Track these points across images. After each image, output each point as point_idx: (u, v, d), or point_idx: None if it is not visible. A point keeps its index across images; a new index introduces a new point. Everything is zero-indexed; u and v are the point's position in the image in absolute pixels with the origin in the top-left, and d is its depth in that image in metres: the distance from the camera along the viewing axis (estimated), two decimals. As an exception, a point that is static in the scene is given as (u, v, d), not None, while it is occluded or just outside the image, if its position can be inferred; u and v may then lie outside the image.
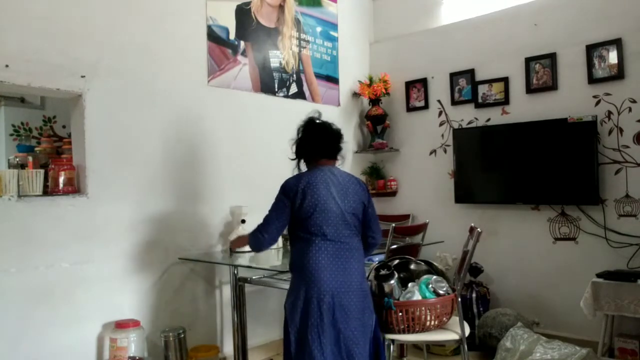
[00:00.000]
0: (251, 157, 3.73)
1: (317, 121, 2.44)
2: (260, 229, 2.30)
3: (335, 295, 2.13)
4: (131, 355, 2.78)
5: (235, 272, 3.28)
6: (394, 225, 3.10)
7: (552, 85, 3.72)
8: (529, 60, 3.82)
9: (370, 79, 4.59)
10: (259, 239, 2.30)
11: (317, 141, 2.38)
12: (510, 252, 3.92)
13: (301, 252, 2.22)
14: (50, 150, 3.46)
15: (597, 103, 3.52)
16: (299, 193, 2.24)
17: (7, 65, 2.55)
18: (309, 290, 2.14)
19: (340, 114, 4.51)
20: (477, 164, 4.10)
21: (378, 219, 2.53)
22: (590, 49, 3.53)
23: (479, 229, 2.59)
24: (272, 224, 2.28)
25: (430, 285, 2.50)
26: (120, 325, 2.83)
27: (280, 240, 3.55)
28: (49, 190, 2.78)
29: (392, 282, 2.50)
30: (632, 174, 3.40)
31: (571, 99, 3.63)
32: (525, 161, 3.79)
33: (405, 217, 4.49)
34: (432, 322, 2.45)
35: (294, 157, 2.49)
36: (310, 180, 2.28)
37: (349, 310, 2.15)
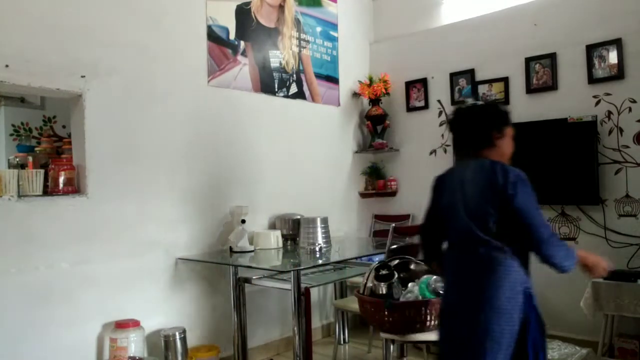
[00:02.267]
0: (251, 157, 3.73)
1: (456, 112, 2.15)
2: (555, 235, 1.92)
3: None
4: (131, 355, 2.78)
5: (235, 272, 3.29)
6: (394, 225, 3.10)
7: (552, 85, 3.72)
8: (529, 60, 3.82)
9: (370, 79, 4.59)
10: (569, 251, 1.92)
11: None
12: (510, 252, 3.91)
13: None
14: (50, 150, 3.46)
15: (597, 103, 3.52)
16: None
17: (7, 65, 2.55)
18: None
19: (340, 114, 4.51)
20: (477, 164, 4.10)
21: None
22: (590, 49, 3.53)
23: (479, 229, 2.59)
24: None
25: (430, 286, 2.50)
26: (120, 325, 2.83)
27: (280, 240, 3.56)
28: (49, 190, 2.78)
29: (392, 282, 2.50)
30: (632, 174, 3.40)
31: (571, 99, 3.63)
32: (525, 161, 3.76)
33: (405, 217, 4.49)
34: (432, 322, 2.45)
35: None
36: None
37: None
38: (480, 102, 2.17)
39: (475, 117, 2.07)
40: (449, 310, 2.03)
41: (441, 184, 2.14)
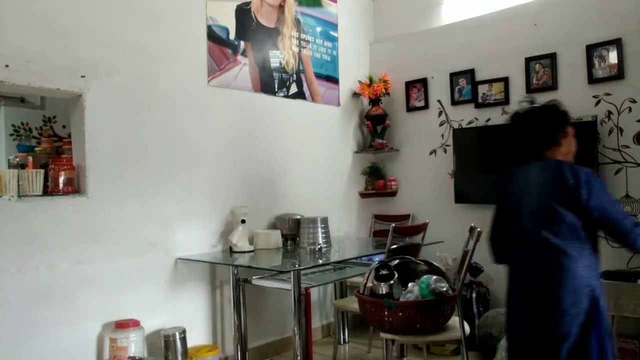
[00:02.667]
0: (251, 157, 3.73)
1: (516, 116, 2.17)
2: (636, 223, 1.89)
3: None
4: (131, 355, 2.78)
5: (235, 272, 3.29)
6: (394, 225, 3.10)
7: (552, 85, 3.72)
8: (529, 60, 3.82)
9: (370, 79, 4.59)
10: None
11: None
12: (510, 252, 3.91)
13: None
14: (50, 150, 3.46)
15: (597, 103, 3.52)
16: None
17: (7, 65, 2.55)
18: None
19: (340, 114, 4.51)
20: (477, 164, 4.10)
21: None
22: (590, 49, 3.53)
23: (479, 229, 2.59)
24: None
25: (431, 285, 2.50)
26: (120, 325, 2.83)
27: (280, 240, 3.55)
28: (49, 190, 2.78)
29: (392, 282, 2.50)
30: (632, 174, 3.40)
31: (571, 99, 3.62)
32: (525, 161, 3.77)
33: (405, 217, 4.49)
34: (432, 322, 2.45)
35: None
36: None
37: None
38: (538, 104, 2.18)
39: (539, 119, 2.09)
40: (514, 311, 2.08)
41: (505, 187, 2.16)
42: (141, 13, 3.12)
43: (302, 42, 4.18)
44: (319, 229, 3.51)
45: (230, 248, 3.36)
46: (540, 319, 1.91)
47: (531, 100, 2.21)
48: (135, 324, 2.85)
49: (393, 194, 4.62)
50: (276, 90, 3.95)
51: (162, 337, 3.02)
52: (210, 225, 3.45)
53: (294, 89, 4.09)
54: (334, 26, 4.50)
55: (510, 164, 2.17)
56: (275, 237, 3.52)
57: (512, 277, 2.11)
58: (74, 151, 2.97)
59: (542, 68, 3.76)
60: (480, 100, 4.09)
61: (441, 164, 4.33)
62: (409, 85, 4.54)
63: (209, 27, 3.50)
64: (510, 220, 2.06)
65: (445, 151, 4.31)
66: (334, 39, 4.48)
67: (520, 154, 2.14)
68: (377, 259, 3.20)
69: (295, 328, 2.81)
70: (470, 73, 4.14)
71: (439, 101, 4.36)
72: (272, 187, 3.85)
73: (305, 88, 4.19)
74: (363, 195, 4.67)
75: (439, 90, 4.35)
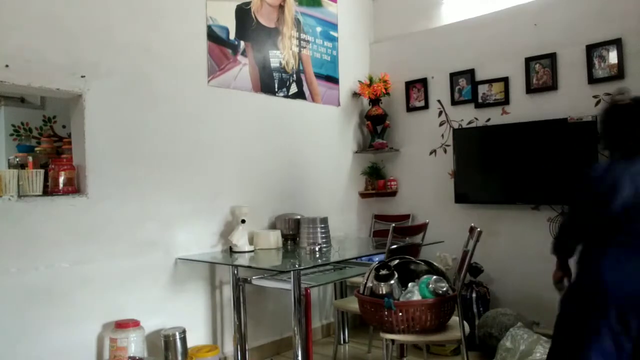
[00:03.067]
0: (251, 157, 3.73)
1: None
2: None
3: None
4: (131, 355, 2.78)
5: (235, 272, 3.29)
6: (394, 225, 3.10)
7: (552, 85, 3.72)
8: (529, 60, 3.82)
9: (370, 79, 4.59)
10: None
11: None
12: (510, 252, 3.92)
13: None
14: (50, 150, 3.46)
15: (597, 103, 3.52)
16: None
17: (7, 65, 2.55)
18: None
19: (340, 114, 4.51)
20: (477, 164, 4.10)
21: None
22: (590, 49, 3.53)
23: (479, 229, 2.59)
24: None
25: (430, 285, 2.50)
26: (120, 325, 2.83)
27: (280, 240, 3.56)
28: (49, 190, 2.78)
29: (392, 282, 2.50)
30: (632, 174, 3.39)
31: (571, 99, 3.63)
32: (525, 161, 3.79)
33: (405, 217, 4.49)
34: (432, 322, 2.45)
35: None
36: None
37: None
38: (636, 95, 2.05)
39: None
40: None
41: (601, 182, 1.97)
42: (141, 13, 3.12)
43: (302, 42, 4.18)
44: (319, 229, 3.51)
45: (230, 248, 3.36)
46: None
47: (626, 91, 2.05)
48: (135, 324, 2.85)
49: (393, 194, 4.62)
50: (276, 90, 3.95)
51: (162, 337, 3.02)
52: (210, 225, 3.45)
53: (294, 89, 4.09)
54: (334, 26, 4.50)
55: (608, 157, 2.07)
56: (275, 237, 3.52)
57: (628, 275, 1.86)
58: (74, 151, 2.97)
59: (542, 68, 3.76)
60: (480, 100, 4.09)
61: (441, 164, 4.33)
62: (409, 85, 4.54)
63: (209, 27, 3.50)
64: (624, 217, 1.88)
65: (445, 151, 4.31)
66: (334, 39, 4.48)
67: (619, 146, 2.01)
68: (377, 259, 3.20)
69: (295, 328, 2.81)
70: (470, 73, 4.14)
71: (439, 101, 4.36)
72: (272, 187, 3.85)
73: (305, 88, 4.19)
74: (363, 195, 4.67)
75: (439, 90, 4.35)
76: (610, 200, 1.90)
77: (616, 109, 2.03)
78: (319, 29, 4.34)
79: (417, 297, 2.47)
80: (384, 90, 4.50)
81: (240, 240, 3.33)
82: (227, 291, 3.44)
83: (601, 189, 1.96)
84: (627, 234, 1.90)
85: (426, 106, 4.43)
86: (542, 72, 3.77)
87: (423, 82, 4.44)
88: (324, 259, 3.22)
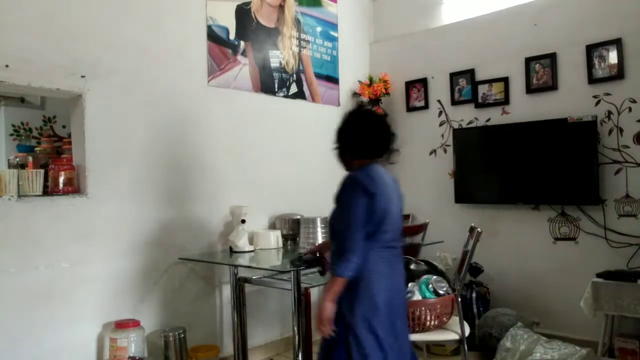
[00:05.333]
0: (251, 157, 3.73)
1: (374, 115, 2.18)
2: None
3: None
4: (131, 355, 2.78)
5: (235, 272, 3.29)
6: (394, 225, 3.09)
7: (552, 85, 3.72)
8: (529, 60, 3.82)
9: (370, 79, 4.59)
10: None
11: (378, 137, 2.08)
12: (510, 252, 3.92)
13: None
14: (50, 150, 3.46)
15: (597, 103, 3.52)
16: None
17: (7, 65, 2.55)
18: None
19: (340, 114, 4.49)
20: (477, 164, 4.10)
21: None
22: (590, 49, 3.53)
23: (479, 229, 2.59)
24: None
25: (430, 285, 2.50)
26: (120, 325, 2.82)
27: (280, 240, 3.55)
28: (49, 190, 2.78)
29: (392, 282, 2.49)
30: (632, 174, 3.40)
31: (571, 99, 3.63)
32: (525, 161, 3.79)
33: (405, 217, 4.48)
34: (432, 322, 2.45)
35: (343, 148, 2.11)
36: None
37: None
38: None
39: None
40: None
41: (381, 187, 2.00)
42: (141, 13, 3.12)
43: (302, 42, 4.17)
44: (319, 229, 3.51)
45: (230, 248, 3.36)
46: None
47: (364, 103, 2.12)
48: (135, 324, 2.85)
49: (393, 194, 4.61)
50: (276, 90, 3.95)
51: (162, 337, 3.02)
52: (210, 225, 3.45)
53: (294, 89, 4.09)
54: (334, 26, 4.49)
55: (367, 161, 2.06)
56: (275, 237, 3.52)
57: (388, 282, 1.98)
58: (74, 151, 2.97)
59: (542, 68, 3.76)
60: (480, 100, 4.09)
61: (441, 164, 4.33)
62: (409, 85, 4.53)
63: (209, 27, 3.50)
64: (383, 225, 1.94)
65: (445, 151, 4.31)
66: (334, 39, 4.48)
67: (371, 151, 2.06)
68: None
69: (295, 328, 2.81)
70: (470, 73, 4.14)
71: (439, 101, 4.36)
72: (272, 187, 3.85)
73: (305, 88, 4.19)
74: (363, 195, 4.66)
75: (439, 90, 4.35)
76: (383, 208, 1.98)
77: (363, 118, 2.11)
78: (319, 29, 4.34)
79: (417, 297, 2.47)
80: (384, 90, 4.50)
81: (240, 240, 3.32)
82: (227, 291, 3.44)
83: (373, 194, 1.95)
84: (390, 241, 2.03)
85: (426, 106, 4.43)
86: (542, 72, 3.77)
87: (423, 82, 4.44)
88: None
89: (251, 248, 3.38)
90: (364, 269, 1.91)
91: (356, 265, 1.88)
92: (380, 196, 1.93)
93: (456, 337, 2.50)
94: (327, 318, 1.92)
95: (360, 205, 1.90)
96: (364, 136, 2.05)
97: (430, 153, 4.41)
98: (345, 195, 1.95)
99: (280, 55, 3.98)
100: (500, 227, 3.97)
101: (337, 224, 1.98)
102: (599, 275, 3.18)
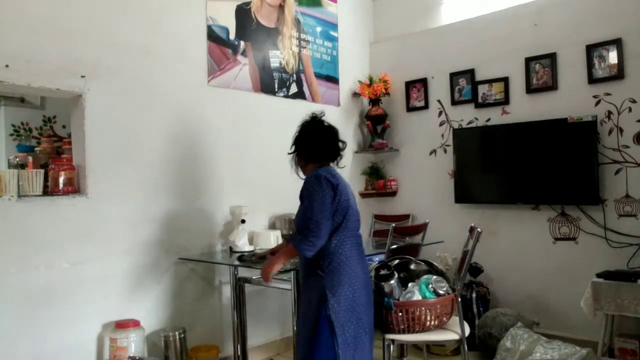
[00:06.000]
0: (251, 157, 3.73)
1: (326, 124, 2.43)
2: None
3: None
4: (131, 355, 2.78)
5: (235, 272, 3.29)
6: (394, 225, 3.10)
7: (552, 85, 3.72)
8: (529, 60, 3.82)
9: (370, 79, 4.59)
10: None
11: (331, 142, 2.37)
12: (510, 252, 3.92)
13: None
14: (50, 150, 3.46)
15: (597, 103, 3.52)
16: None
17: (7, 65, 2.55)
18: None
19: (340, 114, 4.51)
20: (477, 164, 4.10)
21: None
22: (590, 49, 3.53)
23: (479, 229, 2.59)
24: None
25: (430, 285, 2.50)
26: (120, 325, 2.83)
27: (280, 240, 3.55)
28: (49, 190, 2.78)
29: (392, 282, 2.49)
30: (632, 174, 3.40)
31: (571, 99, 3.63)
32: (525, 161, 3.79)
33: (405, 217, 4.49)
34: (432, 322, 2.45)
35: (300, 153, 2.43)
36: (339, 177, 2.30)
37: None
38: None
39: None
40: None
41: (341, 184, 2.29)
42: (141, 13, 3.12)
43: (302, 42, 4.18)
44: (319, 229, 3.50)
45: (231, 248, 3.36)
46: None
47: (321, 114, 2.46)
48: (135, 324, 2.85)
49: (393, 194, 4.62)
50: (276, 90, 3.95)
51: (162, 337, 3.02)
52: (210, 225, 3.45)
53: (294, 89, 4.09)
54: (334, 26, 4.50)
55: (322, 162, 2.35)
56: (275, 237, 3.52)
57: (357, 271, 2.22)
58: (74, 151, 2.97)
59: (542, 68, 3.76)
60: (480, 100, 4.09)
61: (441, 164, 4.33)
62: (409, 85, 4.54)
63: (209, 27, 3.50)
64: (349, 214, 2.21)
65: (445, 151, 4.31)
66: (334, 39, 4.48)
67: (323, 155, 2.36)
68: (377, 259, 3.20)
69: (295, 328, 2.81)
70: (470, 73, 4.14)
71: (439, 101, 4.36)
72: (272, 187, 3.85)
73: (305, 88, 4.19)
74: (363, 195, 4.67)
75: (439, 90, 4.35)
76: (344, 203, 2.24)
77: (317, 126, 2.40)
78: (319, 29, 4.34)
79: (417, 297, 2.47)
80: (384, 90, 4.50)
81: (240, 240, 3.32)
82: (227, 291, 3.44)
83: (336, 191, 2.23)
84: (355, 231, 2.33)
85: (426, 106, 4.43)
86: (542, 72, 3.77)
87: (423, 82, 4.44)
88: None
89: (251, 248, 3.38)
90: (341, 255, 2.17)
91: (317, 248, 2.14)
92: (342, 189, 2.21)
93: (456, 337, 2.50)
94: (272, 273, 2.29)
95: (326, 196, 2.15)
96: (317, 142, 2.35)
97: (430, 153, 4.41)
98: (311, 189, 2.19)
99: (280, 55, 3.99)
100: (500, 227, 3.97)
101: (301, 219, 2.23)
102: (599, 275, 3.18)
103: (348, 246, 2.20)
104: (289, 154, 2.46)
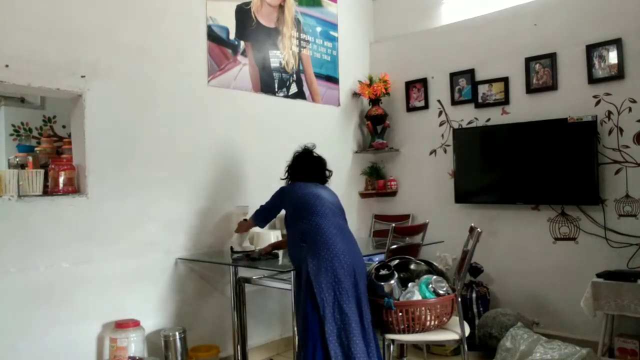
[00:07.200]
0: (251, 157, 3.73)
1: (315, 154, 3.01)
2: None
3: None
4: (131, 355, 2.78)
5: (235, 272, 3.29)
6: (394, 225, 3.10)
7: (552, 85, 3.72)
8: (529, 60, 3.82)
9: (370, 79, 4.59)
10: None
11: (314, 170, 2.97)
12: (510, 252, 3.92)
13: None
14: (50, 150, 3.46)
15: (597, 103, 3.52)
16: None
17: (7, 65, 2.55)
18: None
19: (340, 114, 4.51)
20: (477, 164, 4.10)
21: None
22: (590, 49, 3.53)
23: (479, 229, 2.59)
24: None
25: (430, 285, 2.50)
26: (120, 325, 2.83)
27: (280, 238, 3.55)
28: (49, 190, 2.78)
29: (392, 282, 2.49)
30: (632, 174, 3.40)
31: (571, 99, 3.63)
32: (525, 161, 3.79)
33: (405, 217, 4.49)
34: (432, 322, 2.45)
35: (288, 177, 3.06)
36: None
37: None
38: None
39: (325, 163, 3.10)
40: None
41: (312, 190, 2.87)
42: (141, 13, 3.12)
43: (302, 42, 4.18)
44: (319, 229, 3.50)
45: (231, 248, 3.36)
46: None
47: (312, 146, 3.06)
48: (135, 324, 2.85)
49: (393, 194, 4.62)
50: (276, 90, 3.95)
51: (162, 337, 3.02)
52: (211, 225, 3.45)
53: (294, 89, 4.09)
54: (334, 26, 4.50)
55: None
56: (275, 237, 3.52)
57: (336, 241, 2.59)
58: (74, 151, 2.97)
59: (542, 68, 3.76)
60: (480, 100, 4.09)
61: (441, 164, 4.33)
62: (409, 85, 4.54)
63: (209, 27, 3.50)
64: (312, 202, 2.73)
65: (445, 151, 4.31)
66: (334, 39, 4.48)
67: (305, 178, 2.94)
68: (377, 259, 3.20)
69: (295, 328, 2.81)
70: (470, 73, 4.14)
71: (439, 101, 4.36)
72: (271, 187, 3.83)
73: (305, 88, 4.19)
74: (363, 195, 4.67)
75: (439, 90, 4.35)
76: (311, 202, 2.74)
77: (305, 154, 3.02)
78: (319, 29, 4.34)
79: (417, 297, 2.47)
80: (384, 90, 4.50)
81: (241, 240, 3.32)
82: (227, 291, 3.44)
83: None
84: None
85: (426, 106, 4.43)
86: (542, 72, 3.77)
87: (423, 82, 4.44)
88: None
89: (251, 248, 3.38)
90: (319, 230, 2.59)
91: (260, 218, 3.12)
92: (298, 189, 2.82)
93: (456, 337, 2.50)
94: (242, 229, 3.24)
95: (276, 199, 2.99)
96: (297, 168, 3.00)
97: (430, 153, 4.41)
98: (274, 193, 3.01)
99: (280, 55, 3.99)
100: (500, 227, 3.97)
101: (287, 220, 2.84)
102: (599, 275, 3.18)
103: (326, 226, 2.61)
104: (282, 179, 3.08)
